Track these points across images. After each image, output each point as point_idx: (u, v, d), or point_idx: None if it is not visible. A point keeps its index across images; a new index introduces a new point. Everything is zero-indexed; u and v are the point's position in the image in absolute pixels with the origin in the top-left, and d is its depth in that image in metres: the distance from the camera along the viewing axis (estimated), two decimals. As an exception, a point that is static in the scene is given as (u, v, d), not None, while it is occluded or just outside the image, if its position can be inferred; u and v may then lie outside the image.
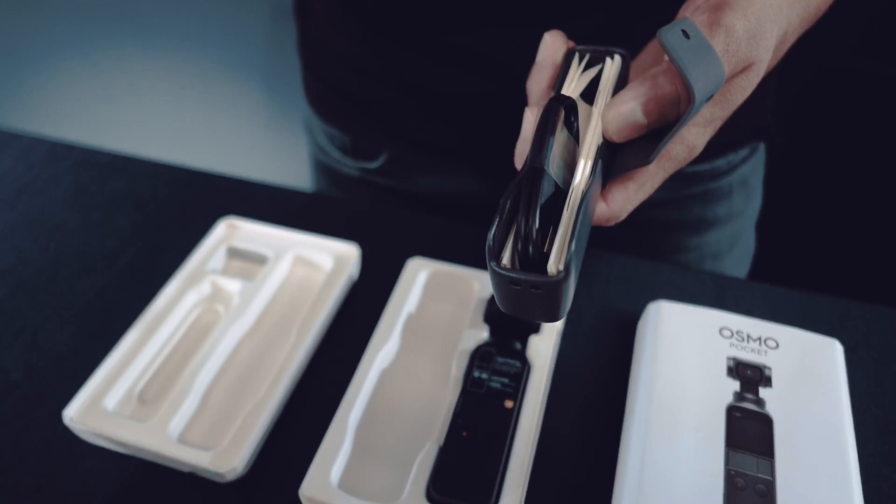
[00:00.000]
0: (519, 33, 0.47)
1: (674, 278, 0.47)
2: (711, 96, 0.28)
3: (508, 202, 0.27)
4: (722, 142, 0.54)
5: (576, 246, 0.26)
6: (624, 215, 0.33)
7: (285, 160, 1.25)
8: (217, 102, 1.34)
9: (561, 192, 0.28)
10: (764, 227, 0.67)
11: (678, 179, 0.55)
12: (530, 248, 0.26)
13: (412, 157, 0.59)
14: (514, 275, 0.26)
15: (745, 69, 0.30)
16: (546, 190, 0.27)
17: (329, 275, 0.46)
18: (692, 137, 0.31)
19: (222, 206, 0.53)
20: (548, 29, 0.37)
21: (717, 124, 0.32)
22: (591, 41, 0.36)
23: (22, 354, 0.43)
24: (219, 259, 0.48)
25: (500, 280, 0.27)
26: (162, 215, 0.53)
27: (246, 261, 0.49)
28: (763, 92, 0.54)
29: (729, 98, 0.31)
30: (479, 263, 0.46)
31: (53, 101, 1.49)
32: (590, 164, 0.29)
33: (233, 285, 0.46)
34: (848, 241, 1.00)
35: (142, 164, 0.58)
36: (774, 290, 0.47)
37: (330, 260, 0.47)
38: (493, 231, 0.27)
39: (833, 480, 0.32)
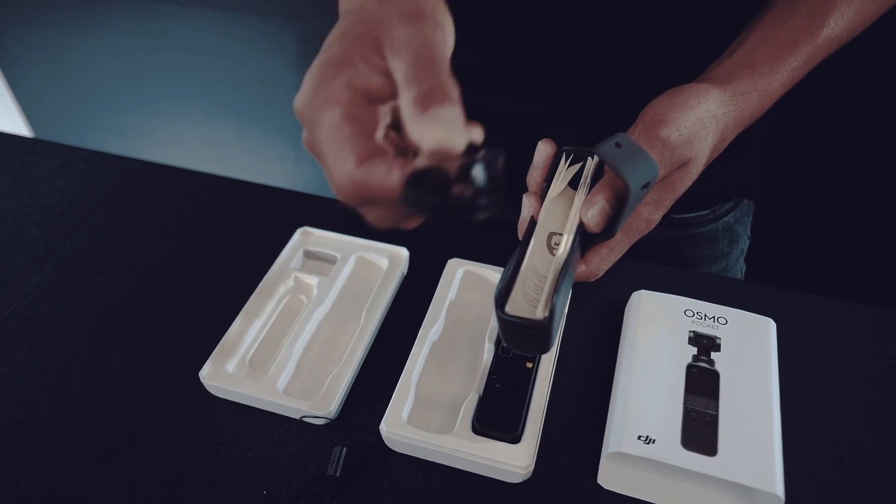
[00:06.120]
0: (544, 97, 0.59)
1: (656, 274, 0.61)
2: (649, 184, 0.39)
3: (511, 267, 0.39)
4: (707, 196, 0.67)
5: (558, 298, 0.37)
6: (601, 273, 0.45)
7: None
8: (296, 128, 1.50)
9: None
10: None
11: (670, 224, 0.68)
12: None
13: None
14: (513, 319, 0.37)
15: (683, 166, 0.42)
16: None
17: (385, 272, 0.59)
18: (646, 214, 0.44)
19: (301, 216, 0.65)
20: (569, 93, 0.48)
21: (668, 204, 0.44)
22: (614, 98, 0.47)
23: (156, 330, 0.57)
24: (298, 259, 0.61)
25: (503, 323, 0.37)
26: (251, 224, 0.67)
27: (319, 260, 0.62)
28: (745, 155, 0.66)
29: (673, 186, 0.43)
30: (502, 264, 0.58)
31: (146, 127, 1.65)
32: (570, 238, 0.41)
33: (311, 280, 0.59)
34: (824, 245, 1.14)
35: (229, 182, 0.71)
36: (730, 281, 0.60)
37: (385, 260, 0.60)
38: (499, 286, 0.38)
39: (758, 415, 0.45)
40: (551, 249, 0.41)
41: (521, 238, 0.44)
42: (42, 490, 0.47)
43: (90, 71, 1.59)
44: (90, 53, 1.56)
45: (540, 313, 0.37)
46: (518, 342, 0.39)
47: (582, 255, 0.44)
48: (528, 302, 0.38)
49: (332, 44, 0.34)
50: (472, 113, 0.62)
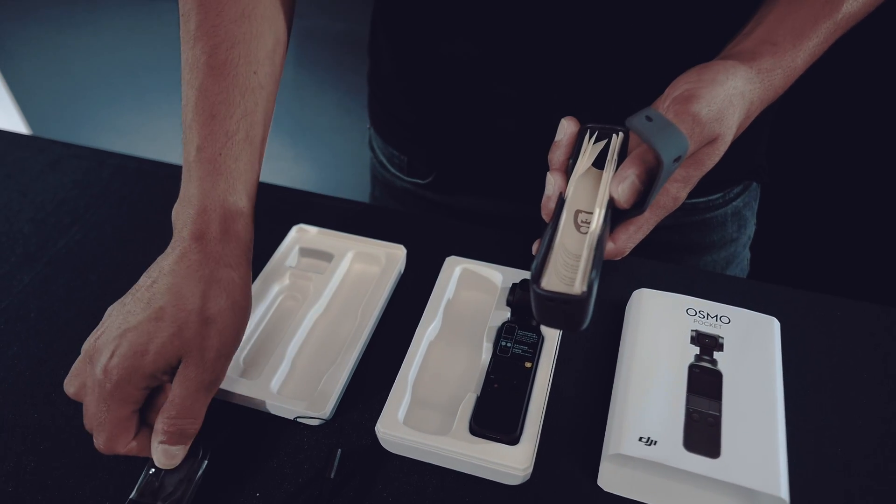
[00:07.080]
0: (543, 87, 0.59)
1: (657, 271, 0.60)
2: (680, 158, 0.38)
3: (545, 244, 0.38)
4: (718, 180, 0.66)
5: (595, 273, 0.36)
6: (627, 251, 0.44)
7: (346, 173, 1.40)
8: (294, 126, 1.49)
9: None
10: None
11: (680, 210, 0.67)
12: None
13: (456, 177, 0.71)
14: (550, 294, 0.36)
15: (711, 142, 0.42)
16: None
17: (382, 270, 0.58)
18: (674, 191, 0.43)
19: (297, 213, 0.64)
20: (569, 81, 0.47)
21: (695, 181, 0.44)
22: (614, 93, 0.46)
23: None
24: (293, 257, 0.60)
25: (539, 299, 0.36)
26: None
27: (315, 258, 0.61)
28: (755, 138, 0.66)
29: (701, 162, 0.42)
30: (501, 261, 0.58)
31: (144, 123, 1.65)
32: (602, 212, 0.40)
33: (307, 278, 0.58)
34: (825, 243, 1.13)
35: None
36: (733, 279, 0.59)
37: (382, 258, 0.59)
38: (535, 262, 0.37)
39: (762, 416, 0.44)
40: (578, 227, 0.41)
41: (544, 216, 0.43)
42: (31, 491, 0.46)
43: (87, 67, 1.58)
44: (87, 49, 1.55)
45: (578, 288, 0.36)
46: (552, 319, 0.38)
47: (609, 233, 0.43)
48: (560, 279, 0.37)
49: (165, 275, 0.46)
50: (484, 102, 0.61)
